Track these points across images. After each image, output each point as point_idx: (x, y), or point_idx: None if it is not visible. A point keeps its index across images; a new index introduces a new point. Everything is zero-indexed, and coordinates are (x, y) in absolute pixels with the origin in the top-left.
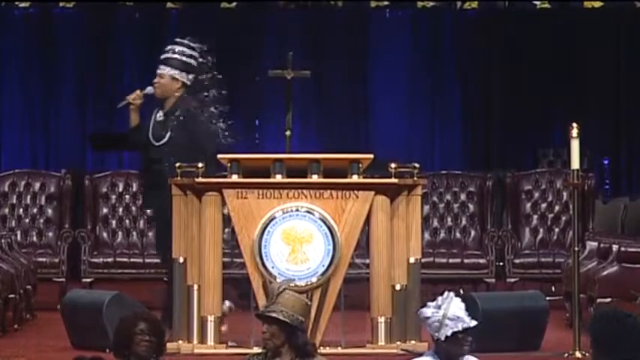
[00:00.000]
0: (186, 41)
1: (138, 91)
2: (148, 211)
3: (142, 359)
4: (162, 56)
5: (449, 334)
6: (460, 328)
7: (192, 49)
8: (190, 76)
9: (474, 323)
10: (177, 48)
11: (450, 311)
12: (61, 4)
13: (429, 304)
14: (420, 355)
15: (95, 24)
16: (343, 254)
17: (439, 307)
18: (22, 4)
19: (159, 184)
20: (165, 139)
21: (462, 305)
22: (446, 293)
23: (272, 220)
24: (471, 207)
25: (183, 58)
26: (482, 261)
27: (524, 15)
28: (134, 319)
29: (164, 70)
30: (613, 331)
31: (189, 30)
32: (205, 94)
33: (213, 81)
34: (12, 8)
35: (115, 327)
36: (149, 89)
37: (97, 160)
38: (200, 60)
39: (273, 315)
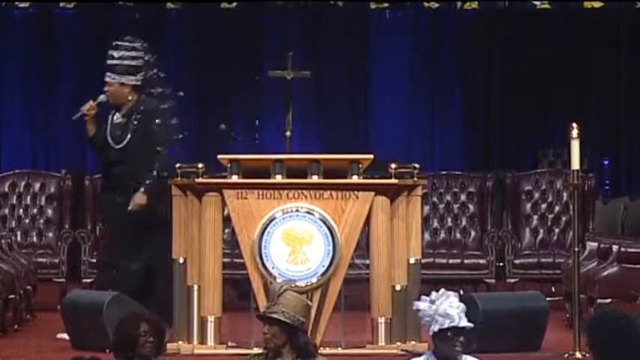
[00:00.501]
0: (126, 43)
1: (91, 102)
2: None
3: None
4: (107, 62)
5: (436, 329)
6: (447, 326)
7: (135, 49)
8: (139, 76)
9: (464, 324)
10: (119, 53)
11: (442, 307)
12: (61, 4)
13: (424, 297)
14: (420, 355)
15: (95, 24)
16: (343, 255)
17: (433, 302)
18: (22, 5)
19: (116, 187)
20: (126, 142)
21: (457, 304)
22: (442, 290)
23: (272, 220)
24: (471, 207)
25: (126, 62)
26: (482, 261)
27: (524, 15)
28: (136, 320)
29: (110, 78)
30: (610, 332)
31: (189, 30)
32: (159, 89)
33: (159, 78)
34: (12, 8)
35: (115, 329)
36: (102, 97)
37: (97, 161)
38: (146, 57)
39: (275, 316)
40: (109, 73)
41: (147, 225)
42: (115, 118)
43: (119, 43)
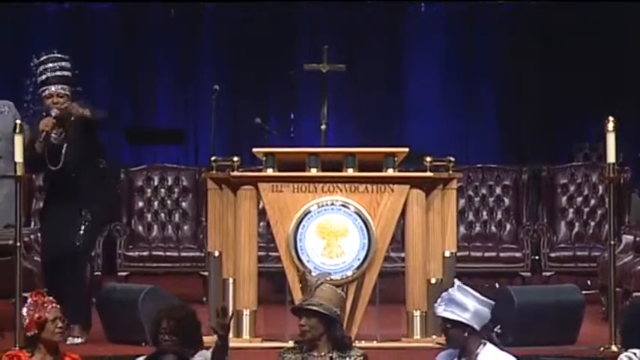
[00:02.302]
0: (60, 55)
1: (52, 118)
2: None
3: (170, 356)
4: (54, 74)
5: None
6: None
7: (67, 61)
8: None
9: (439, 312)
10: (62, 64)
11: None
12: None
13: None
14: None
15: (130, 21)
16: (378, 248)
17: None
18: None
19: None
20: (62, 162)
21: (449, 293)
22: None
23: (307, 213)
24: (507, 201)
25: (69, 74)
26: (517, 255)
27: (559, 8)
28: (159, 317)
29: (62, 89)
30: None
31: (224, 25)
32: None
33: (79, 93)
34: (46, 5)
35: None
36: (56, 112)
37: (133, 154)
38: (75, 72)
39: (314, 308)
40: (59, 85)
41: None
42: (52, 137)
43: (57, 55)
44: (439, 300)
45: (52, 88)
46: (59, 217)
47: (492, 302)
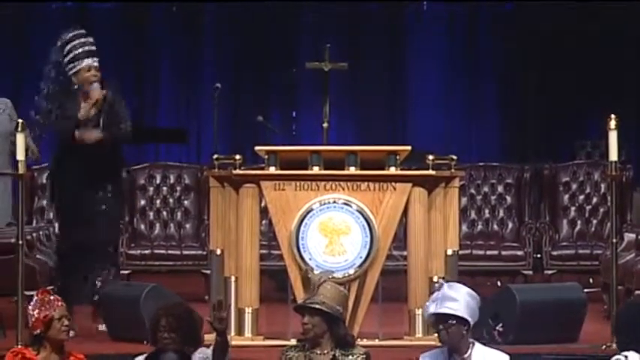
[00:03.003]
0: (84, 31)
1: (100, 90)
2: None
3: (170, 354)
4: (88, 48)
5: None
6: (428, 312)
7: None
8: None
9: (432, 309)
10: (90, 39)
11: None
12: None
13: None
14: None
15: (132, 18)
16: (380, 246)
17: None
18: None
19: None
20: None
21: (443, 292)
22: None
23: (309, 212)
24: (509, 199)
25: (96, 49)
26: (519, 253)
27: (558, 9)
28: (157, 315)
29: (97, 62)
30: (635, 319)
31: (225, 22)
32: None
33: None
34: (49, 2)
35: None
36: (97, 85)
37: (135, 152)
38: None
39: (317, 306)
40: (95, 58)
41: None
42: (84, 112)
43: (84, 32)
44: (429, 301)
45: (89, 61)
46: (79, 198)
47: (478, 297)
